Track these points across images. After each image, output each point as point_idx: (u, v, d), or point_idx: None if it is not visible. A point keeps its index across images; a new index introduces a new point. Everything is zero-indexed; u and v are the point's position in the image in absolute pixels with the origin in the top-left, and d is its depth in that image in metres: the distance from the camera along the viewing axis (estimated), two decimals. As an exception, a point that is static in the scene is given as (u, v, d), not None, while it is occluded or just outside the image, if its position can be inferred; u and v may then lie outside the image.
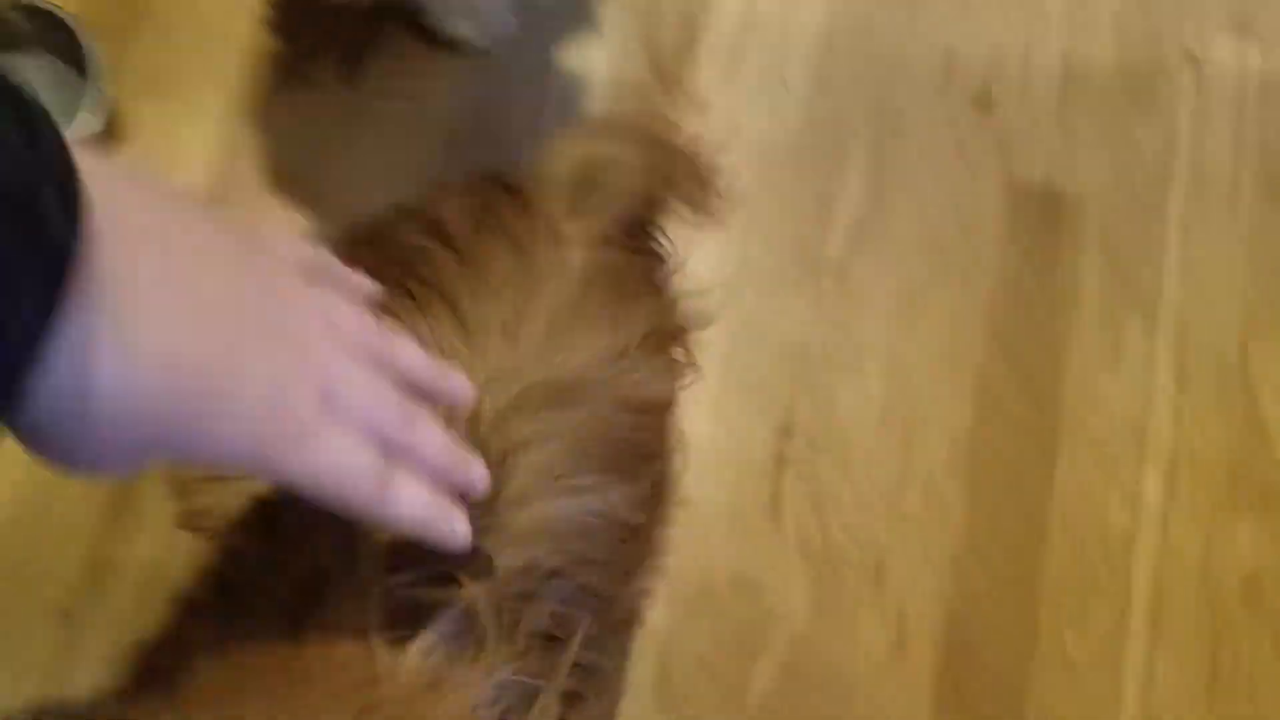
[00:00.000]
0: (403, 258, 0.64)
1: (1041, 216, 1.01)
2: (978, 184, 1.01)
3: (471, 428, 0.56)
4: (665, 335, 0.68)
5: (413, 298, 0.61)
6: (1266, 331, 1.01)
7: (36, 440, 0.33)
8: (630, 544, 0.64)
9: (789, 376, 0.98)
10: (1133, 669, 0.92)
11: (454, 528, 0.46)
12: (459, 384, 0.50)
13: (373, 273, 0.63)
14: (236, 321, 0.37)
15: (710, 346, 0.97)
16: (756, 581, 0.93)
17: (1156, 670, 0.93)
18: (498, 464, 0.55)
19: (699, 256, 0.99)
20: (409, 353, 0.47)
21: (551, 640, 0.56)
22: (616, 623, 0.67)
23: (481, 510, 0.52)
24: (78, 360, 0.31)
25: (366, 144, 0.99)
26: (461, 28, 0.98)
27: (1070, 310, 0.99)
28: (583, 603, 0.59)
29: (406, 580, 0.52)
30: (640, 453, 0.64)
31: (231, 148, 0.97)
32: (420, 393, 0.47)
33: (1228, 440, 0.97)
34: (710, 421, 0.96)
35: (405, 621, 0.50)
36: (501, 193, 0.68)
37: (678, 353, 0.71)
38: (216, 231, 0.38)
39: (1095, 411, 0.98)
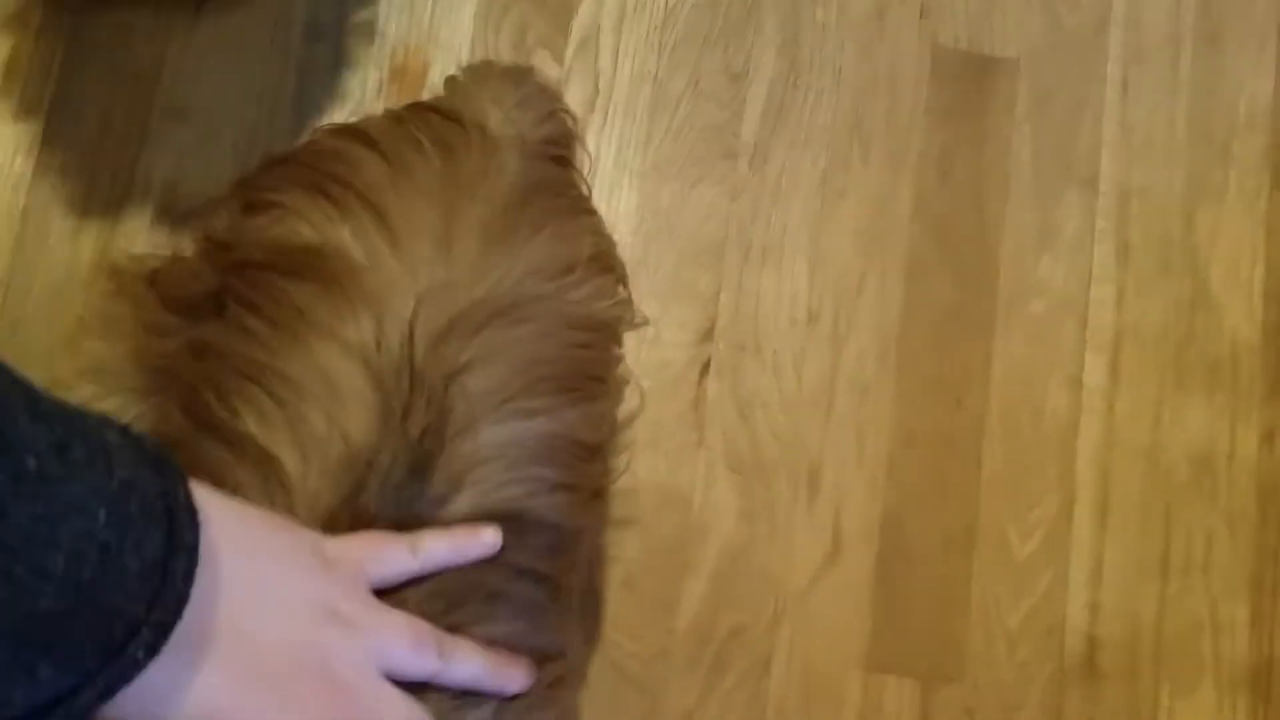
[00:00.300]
0: (321, 162, 0.60)
1: (968, 85, 0.93)
2: (899, 53, 0.93)
3: (405, 352, 0.53)
4: (608, 257, 0.65)
5: (334, 202, 0.57)
6: (1213, 196, 0.95)
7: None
8: (590, 464, 0.60)
9: (707, 274, 0.91)
10: (1079, 561, 0.88)
11: None
12: (518, 682, 0.52)
13: (288, 180, 0.58)
14: (285, 673, 0.43)
15: (621, 245, 0.90)
16: (682, 495, 0.88)
17: (1104, 560, 0.88)
18: (440, 391, 0.52)
19: (605, 147, 0.92)
20: (461, 670, 0.50)
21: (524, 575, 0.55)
22: (585, 553, 0.64)
23: (425, 442, 0.52)
24: (141, 697, 0.38)
25: (216, 44, 0.89)
26: None
27: (1003, 185, 0.93)
28: (546, 528, 0.56)
29: None
30: (590, 373, 0.61)
31: (70, 64, 0.88)
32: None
33: (1173, 315, 0.92)
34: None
35: None
36: (426, 107, 0.64)
37: (619, 278, 0.67)
38: (298, 584, 0.45)
39: (1032, 293, 0.92)
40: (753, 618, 0.86)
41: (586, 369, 0.60)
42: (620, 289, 0.65)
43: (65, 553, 0.34)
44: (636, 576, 0.86)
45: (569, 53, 0.92)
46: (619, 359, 0.67)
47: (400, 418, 0.52)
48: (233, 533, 0.42)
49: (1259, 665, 0.87)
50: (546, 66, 0.91)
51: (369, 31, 0.90)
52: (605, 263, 0.63)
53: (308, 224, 0.56)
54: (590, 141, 0.91)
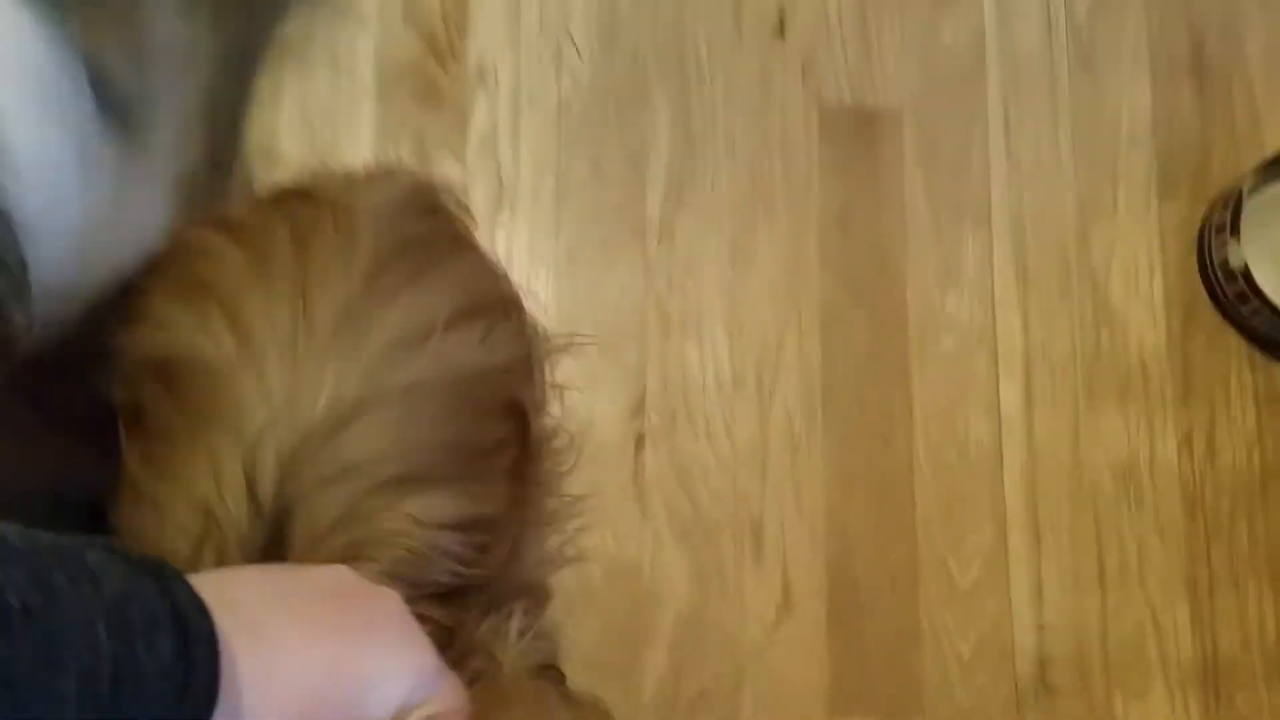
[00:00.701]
0: (187, 262, 0.59)
1: (857, 138, 0.97)
2: (787, 116, 0.97)
3: (234, 493, 0.52)
4: (485, 303, 0.62)
5: (195, 308, 0.56)
6: (1104, 214, 0.99)
7: None
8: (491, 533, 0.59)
9: (631, 350, 0.93)
10: (1020, 583, 0.91)
11: None
12: None
13: (159, 285, 0.58)
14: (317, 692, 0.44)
15: (545, 331, 0.92)
16: (632, 567, 0.90)
17: (1044, 579, 0.91)
18: (279, 525, 0.52)
19: (516, 240, 0.94)
20: None
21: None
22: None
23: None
24: None
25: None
26: None
27: (901, 231, 0.96)
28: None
29: None
30: (473, 438, 0.59)
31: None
32: None
33: (1079, 335, 0.95)
34: (557, 410, 0.91)
35: None
36: (289, 192, 0.63)
37: (502, 316, 0.64)
38: (319, 638, 0.46)
39: (942, 330, 0.95)
40: (715, 679, 0.88)
41: (462, 436, 0.58)
42: (504, 325, 0.62)
43: (75, 675, 0.35)
44: (596, 654, 0.87)
45: (469, 153, 0.94)
46: (522, 401, 0.64)
47: (240, 549, 0.52)
48: (238, 603, 0.43)
49: (1205, 662, 0.90)
50: (449, 168, 0.94)
51: (268, 155, 0.92)
52: (476, 308, 0.61)
53: (174, 333, 0.56)
54: (501, 236, 0.93)
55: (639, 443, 0.92)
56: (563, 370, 0.91)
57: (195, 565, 0.52)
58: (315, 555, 0.53)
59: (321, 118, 0.92)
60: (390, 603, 0.50)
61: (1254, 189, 0.97)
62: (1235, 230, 0.94)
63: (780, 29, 0.98)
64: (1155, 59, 1.03)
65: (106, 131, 0.57)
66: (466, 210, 0.71)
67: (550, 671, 0.67)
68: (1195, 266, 0.98)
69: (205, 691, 0.39)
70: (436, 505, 0.56)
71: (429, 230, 0.63)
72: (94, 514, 0.58)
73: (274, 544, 0.53)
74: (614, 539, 0.90)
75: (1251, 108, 1.03)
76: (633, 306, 0.94)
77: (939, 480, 0.92)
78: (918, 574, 0.91)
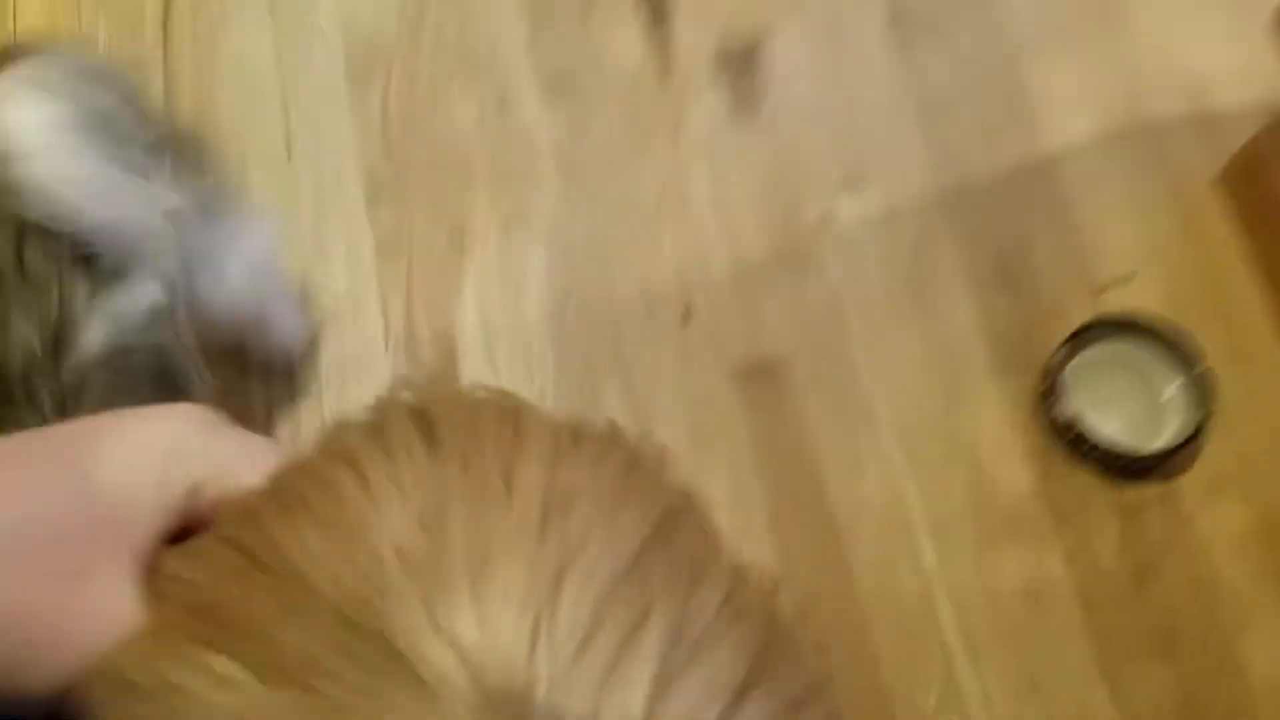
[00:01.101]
0: None
1: (762, 385, 1.26)
2: (705, 379, 1.26)
3: None
4: None
5: None
6: (961, 399, 1.27)
7: None
8: None
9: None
10: (972, 698, 1.14)
11: None
12: None
13: None
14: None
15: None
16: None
17: (990, 690, 1.14)
18: None
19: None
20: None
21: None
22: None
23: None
24: None
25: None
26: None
27: (812, 443, 1.24)
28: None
29: None
30: None
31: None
32: None
33: (966, 494, 1.22)
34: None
35: None
36: None
37: None
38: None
39: (862, 511, 1.21)
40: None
41: None
42: None
43: None
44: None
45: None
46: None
47: None
48: None
49: (1130, 729, 1.13)
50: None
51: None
52: None
53: None
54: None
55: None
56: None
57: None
58: None
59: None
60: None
61: (1068, 357, 1.26)
62: (1060, 392, 1.23)
63: (686, 318, 1.29)
64: (971, 277, 1.33)
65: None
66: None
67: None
68: (1041, 424, 1.26)
69: None
70: None
71: None
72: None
73: None
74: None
75: (1054, 296, 1.33)
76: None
77: (890, 630, 1.16)
78: (893, 707, 1.13)
